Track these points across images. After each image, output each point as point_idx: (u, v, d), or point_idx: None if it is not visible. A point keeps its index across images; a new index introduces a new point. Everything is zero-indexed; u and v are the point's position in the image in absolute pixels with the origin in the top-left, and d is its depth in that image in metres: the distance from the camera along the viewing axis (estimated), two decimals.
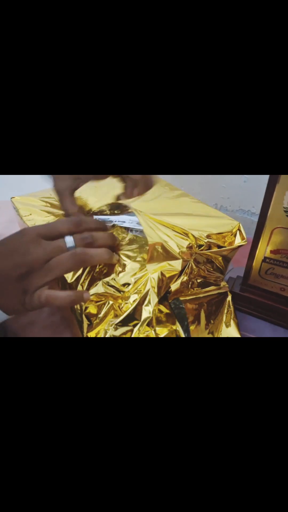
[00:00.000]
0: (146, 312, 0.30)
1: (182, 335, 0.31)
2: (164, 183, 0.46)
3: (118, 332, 0.30)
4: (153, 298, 0.30)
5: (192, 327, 0.34)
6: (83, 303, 0.31)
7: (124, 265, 0.32)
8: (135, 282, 0.31)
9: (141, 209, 0.37)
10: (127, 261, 0.32)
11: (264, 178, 0.32)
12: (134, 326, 0.30)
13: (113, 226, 0.36)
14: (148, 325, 0.30)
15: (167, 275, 0.31)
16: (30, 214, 0.40)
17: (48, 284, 0.27)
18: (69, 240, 0.28)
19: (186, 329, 0.32)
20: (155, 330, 0.30)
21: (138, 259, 0.32)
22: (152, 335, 0.30)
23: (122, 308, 0.31)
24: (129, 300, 0.31)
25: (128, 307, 0.30)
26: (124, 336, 0.30)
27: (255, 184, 0.58)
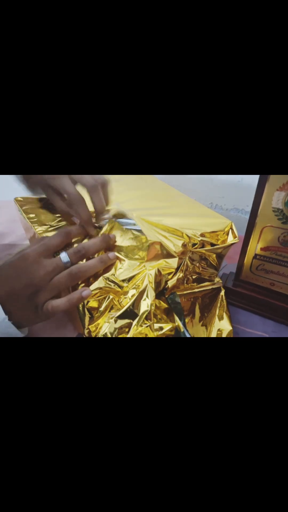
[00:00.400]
0: (144, 305, 0.32)
1: (181, 328, 0.33)
2: (160, 183, 0.48)
3: (118, 325, 0.32)
4: (151, 293, 0.32)
5: (186, 320, 0.36)
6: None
7: (123, 262, 0.34)
8: (134, 278, 0.33)
9: (136, 209, 0.39)
10: (125, 259, 0.34)
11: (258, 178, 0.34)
12: (133, 319, 0.32)
13: (112, 223, 0.38)
14: (146, 318, 0.32)
15: (163, 272, 0.33)
16: (34, 214, 0.42)
17: (53, 297, 0.31)
18: (64, 256, 0.32)
19: (183, 323, 0.34)
20: (153, 324, 0.32)
21: (136, 256, 0.34)
22: (149, 330, 0.32)
23: (121, 302, 0.33)
24: (128, 295, 0.33)
25: (127, 301, 0.32)
26: (124, 328, 0.32)
27: (249, 184, 0.60)
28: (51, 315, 0.31)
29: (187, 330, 0.33)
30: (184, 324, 0.34)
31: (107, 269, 0.34)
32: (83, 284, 0.33)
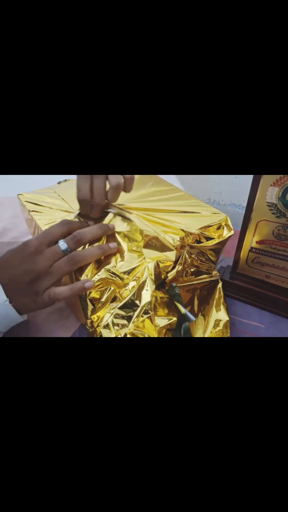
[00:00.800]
0: (145, 297, 0.33)
1: (183, 310, 0.35)
2: (158, 179, 0.50)
3: (119, 315, 0.33)
4: (151, 284, 0.33)
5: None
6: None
7: (124, 255, 0.35)
8: (134, 270, 0.34)
9: (133, 205, 0.40)
10: (125, 251, 0.36)
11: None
12: (134, 310, 0.33)
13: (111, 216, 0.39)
14: (147, 309, 0.33)
15: (162, 265, 0.34)
16: (36, 210, 0.43)
17: (53, 284, 0.32)
18: (62, 244, 0.33)
19: (184, 309, 0.35)
20: (154, 316, 0.34)
21: (134, 248, 0.36)
22: (150, 321, 0.33)
23: (122, 294, 0.34)
24: (128, 287, 0.34)
25: (127, 293, 0.34)
26: (125, 318, 0.33)
27: (245, 180, 0.62)
28: (51, 303, 0.32)
29: (188, 312, 0.34)
30: (186, 309, 0.35)
31: (108, 260, 0.35)
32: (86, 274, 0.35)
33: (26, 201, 0.45)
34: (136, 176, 0.46)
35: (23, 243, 0.32)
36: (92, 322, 0.35)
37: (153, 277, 0.33)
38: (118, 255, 0.35)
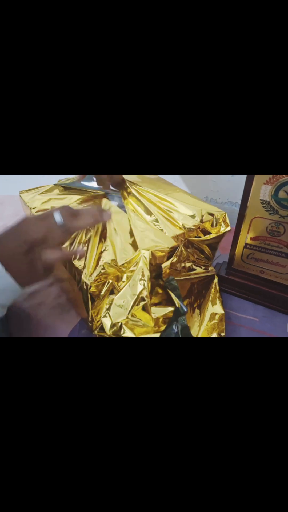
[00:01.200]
0: (140, 285, 0.34)
1: (179, 303, 0.36)
2: (157, 177, 0.51)
3: (116, 305, 0.35)
4: (146, 273, 0.34)
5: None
6: (87, 284, 0.35)
7: (117, 245, 0.37)
8: (129, 262, 0.36)
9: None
10: (121, 244, 0.37)
11: None
12: (131, 299, 0.34)
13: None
14: (143, 297, 0.34)
15: (157, 255, 0.35)
16: (38, 207, 0.45)
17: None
18: (56, 214, 0.32)
19: (180, 302, 0.37)
20: (149, 304, 0.35)
21: (129, 242, 0.37)
22: (146, 308, 0.35)
23: (120, 286, 0.36)
24: (124, 278, 0.36)
25: (124, 284, 0.35)
26: (122, 308, 0.34)
27: (241, 179, 0.63)
28: (48, 271, 0.32)
29: (183, 304, 0.35)
30: (181, 301, 0.36)
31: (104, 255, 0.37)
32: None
33: (28, 199, 0.47)
34: (135, 176, 0.47)
35: (21, 218, 0.33)
36: (92, 315, 0.36)
37: (148, 267, 0.35)
38: (115, 248, 0.37)
